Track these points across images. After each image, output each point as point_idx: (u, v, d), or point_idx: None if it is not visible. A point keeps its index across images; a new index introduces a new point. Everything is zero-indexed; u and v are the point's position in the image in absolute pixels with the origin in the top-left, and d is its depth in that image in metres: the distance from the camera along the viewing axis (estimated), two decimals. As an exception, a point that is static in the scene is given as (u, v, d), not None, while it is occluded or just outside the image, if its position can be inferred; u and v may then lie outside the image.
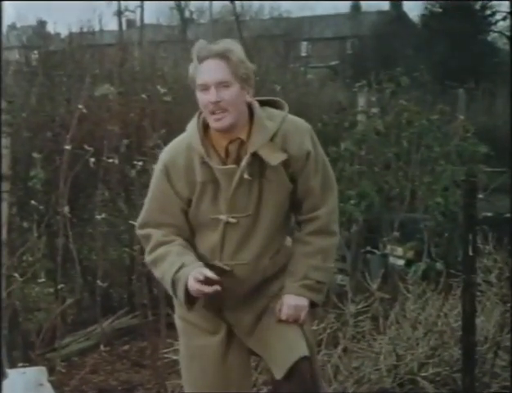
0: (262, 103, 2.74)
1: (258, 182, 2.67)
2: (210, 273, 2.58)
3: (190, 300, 2.66)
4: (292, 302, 2.73)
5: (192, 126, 2.71)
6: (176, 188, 2.69)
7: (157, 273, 2.74)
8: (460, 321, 4.22)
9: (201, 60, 2.62)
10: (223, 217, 2.67)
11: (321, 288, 2.77)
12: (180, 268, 2.63)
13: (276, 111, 2.73)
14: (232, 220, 2.67)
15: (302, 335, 2.76)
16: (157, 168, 2.76)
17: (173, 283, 2.65)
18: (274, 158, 2.63)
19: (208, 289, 2.57)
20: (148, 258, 2.77)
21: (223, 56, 2.60)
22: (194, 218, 2.73)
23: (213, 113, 2.61)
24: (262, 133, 2.64)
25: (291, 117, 2.74)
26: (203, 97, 2.63)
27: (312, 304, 2.79)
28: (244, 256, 2.72)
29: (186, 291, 2.62)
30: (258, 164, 2.65)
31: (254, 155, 2.63)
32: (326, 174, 2.77)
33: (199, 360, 2.80)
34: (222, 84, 2.59)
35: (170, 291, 2.72)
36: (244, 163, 2.63)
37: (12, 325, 4.81)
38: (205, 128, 2.70)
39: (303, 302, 2.74)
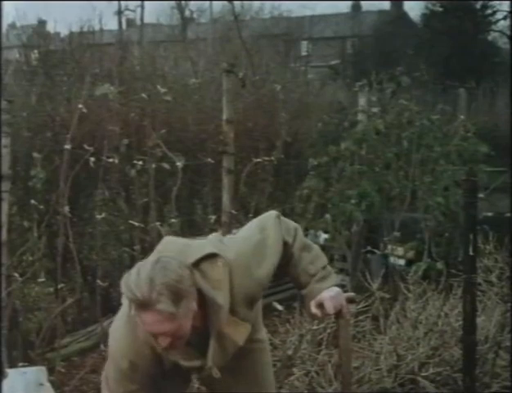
0: (196, 264, 2.53)
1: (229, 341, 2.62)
2: None
3: None
4: (331, 293, 2.72)
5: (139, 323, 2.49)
6: (146, 373, 2.59)
7: None
8: (460, 321, 4.22)
9: (137, 310, 2.40)
10: (195, 380, 2.72)
11: (329, 272, 2.79)
12: None
13: (217, 272, 2.54)
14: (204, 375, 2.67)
15: None
16: (118, 363, 2.60)
17: None
18: (239, 336, 2.60)
19: None
20: None
21: (161, 311, 2.36)
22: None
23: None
24: (219, 315, 2.52)
25: (232, 264, 2.57)
26: (148, 333, 2.47)
27: None
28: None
29: None
30: (223, 338, 2.57)
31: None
32: (274, 248, 2.71)
33: None
34: (168, 334, 2.42)
35: None
36: (210, 359, 2.55)
37: (12, 325, 4.80)
38: None
39: (337, 289, 2.75)
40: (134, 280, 2.38)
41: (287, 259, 2.74)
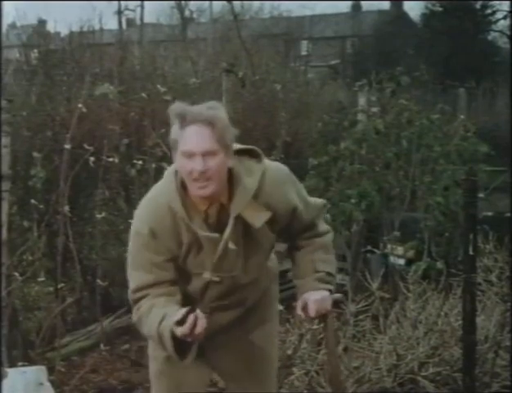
0: (238, 152, 2.60)
1: (243, 243, 2.63)
2: (184, 310, 2.44)
3: (182, 350, 2.54)
4: (317, 296, 2.73)
5: (170, 187, 2.59)
6: (165, 246, 2.60)
7: (144, 330, 2.63)
8: (460, 320, 4.22)
9: (185, 124, 2.47)
10: (207, 275, 2.65)
11: (331, 280, 2.80)
12: (162, 319, 2.51)
13: (254, 165, 2.62)
14: (216, 279, 2.65)
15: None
16: (138, 230, 2.64)
17: (160, 338, 2.53)
18: (258, 219, 2.59)
19: (190, 328, 2.41)
20: (134, 316, 2.67)
21: (210, 122, 2.46)
22: (180, 267, 2.67)
23: (195, 180, 2.50)
24: (244, 195, 2.56)
25: (269, 168, 2.65)
26: (186, 164, 2.49)
27: None
28: (226, 302, 2.75)
29: (176, 342, 2.50)
30: (241, 224, 2.60)
31: (237, 217, 2.58)
32: (309, 203, 2.77)
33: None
34: (209, 153, 2.47)
35: (160, 347, 2.60)
36: (227, 233, 2.57)
37: (12, 324, 4.80)
38: (183, 188, 2.59)
39: (326, 293, 2.76)
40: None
41: (303, 244, 2.78)
